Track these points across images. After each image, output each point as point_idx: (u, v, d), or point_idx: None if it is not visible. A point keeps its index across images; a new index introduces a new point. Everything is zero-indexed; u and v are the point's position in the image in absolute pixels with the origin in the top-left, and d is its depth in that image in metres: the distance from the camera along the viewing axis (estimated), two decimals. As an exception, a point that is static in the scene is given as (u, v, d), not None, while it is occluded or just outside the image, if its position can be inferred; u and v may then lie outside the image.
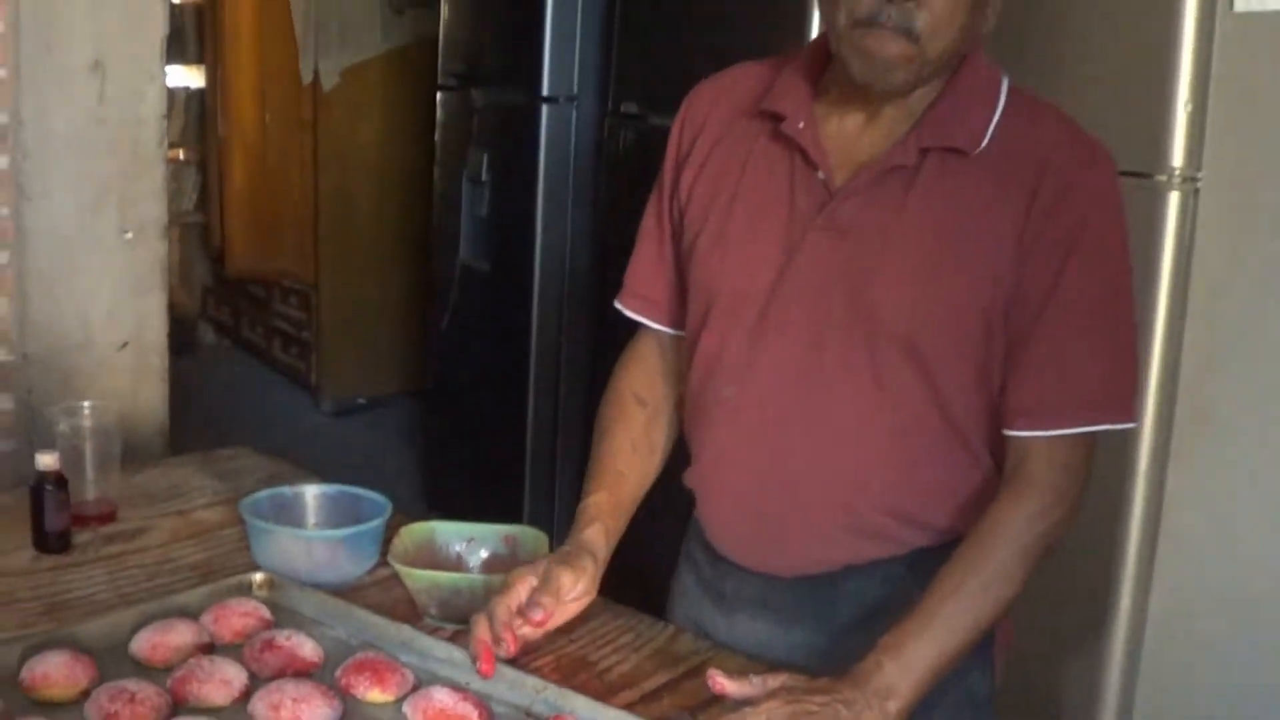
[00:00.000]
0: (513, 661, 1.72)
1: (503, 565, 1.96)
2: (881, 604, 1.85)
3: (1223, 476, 2.86)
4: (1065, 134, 1.81)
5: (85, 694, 1.62)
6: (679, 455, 2.06)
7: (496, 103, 4.74)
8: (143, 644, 1.75)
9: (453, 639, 1.80)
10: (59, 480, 2.12)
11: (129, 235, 3.10)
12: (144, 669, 1.71)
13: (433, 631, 1.84)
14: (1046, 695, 3.01)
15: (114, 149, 3.07)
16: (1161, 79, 2.71)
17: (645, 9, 4.04)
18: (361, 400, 6.73)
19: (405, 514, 2.14)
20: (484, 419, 4.93)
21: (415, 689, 1.69)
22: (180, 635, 1.76)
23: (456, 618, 1.88)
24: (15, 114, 2.94)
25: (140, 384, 3.16)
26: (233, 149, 6.97)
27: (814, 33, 3.34)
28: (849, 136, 1.83)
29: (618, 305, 2.08)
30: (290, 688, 1.64)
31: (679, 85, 2.06)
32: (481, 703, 1.65)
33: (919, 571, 1.79)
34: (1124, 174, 2.66)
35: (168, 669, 1.69)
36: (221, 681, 1.65)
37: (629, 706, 1.69)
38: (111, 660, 1.71)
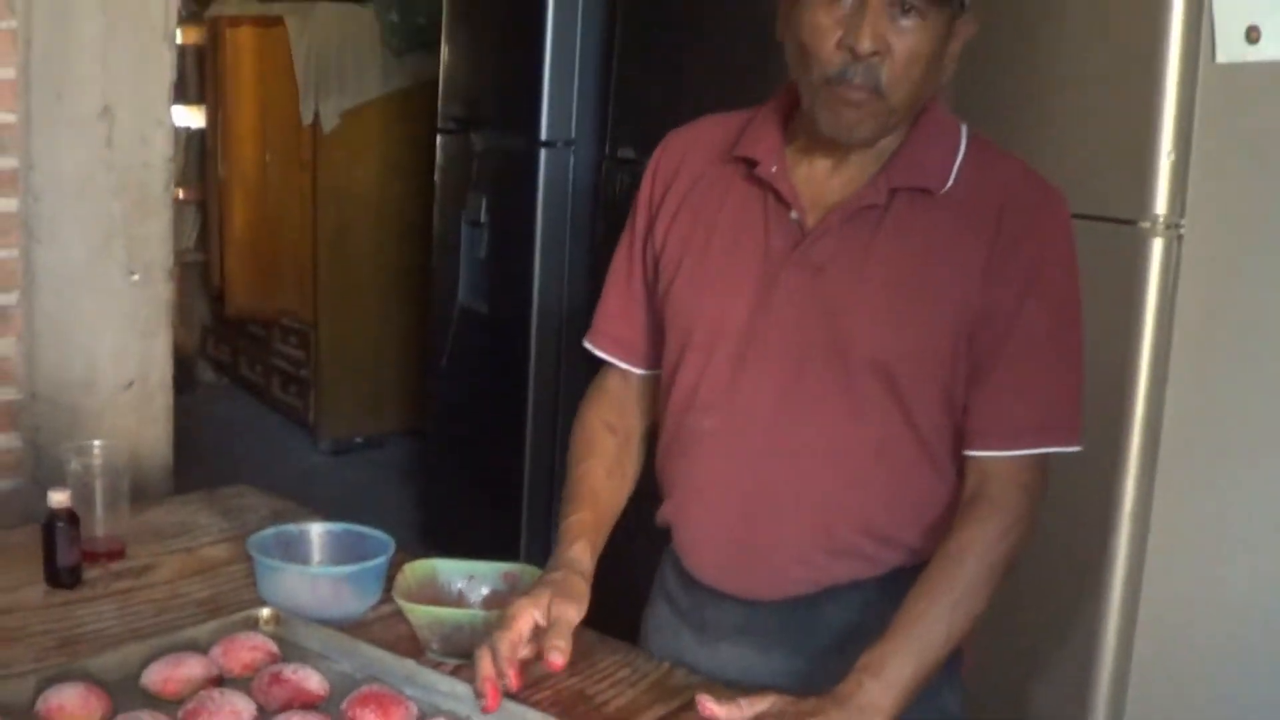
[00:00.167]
0: (513, 695, 1.77)
1: (503, 602, 2.00)
2: (859, 627, 1.91)
3: (1207, 503, 2.91)
4: (1022, 176, 1.94)
5: (100, 725, 1.67)
6: (646, 495, 2.14)
7: (495, 147, 4.80)
8: (154, 677, 1.80)
9: (455, 673, 1.85)
10: (71, 517, 2.18)
11: (136, 277, 3.15)
12: (155, 701, 1.76)
13: (435, 666, 1.89)
14: (1035, 711, 3.04)
15: (121, 193, 3.11)
16: (1145, 128, 2.76)
17: (642, 57, 4.10)
18: (359, 439, 6.77)
19: (404, 551, 2.20)
20: (482, 459, 4.97)
21: (419, 721, 1.74)
22: (190, 668, 1.81)
23: (458, 652, 1.93)
24: (26, 158, 2.99)
25: (145, 423, 3.20)
26: (233, 189, 7.02)
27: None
28: (818, 180, 1.93)
29: (587, 344, 2.17)
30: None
31: (675, 131, 2.14)
32: (483, 735, 1.70)
33: (893, 595, 1.86)
34: (1108, 220, 2.78)
35: (178, 701, 1.74)
36: (231, 713, 1.70)
37: (627, 739, 1.75)
38: (123, 692, 1.76)
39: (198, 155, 7.37)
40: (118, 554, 2.30)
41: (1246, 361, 2.90)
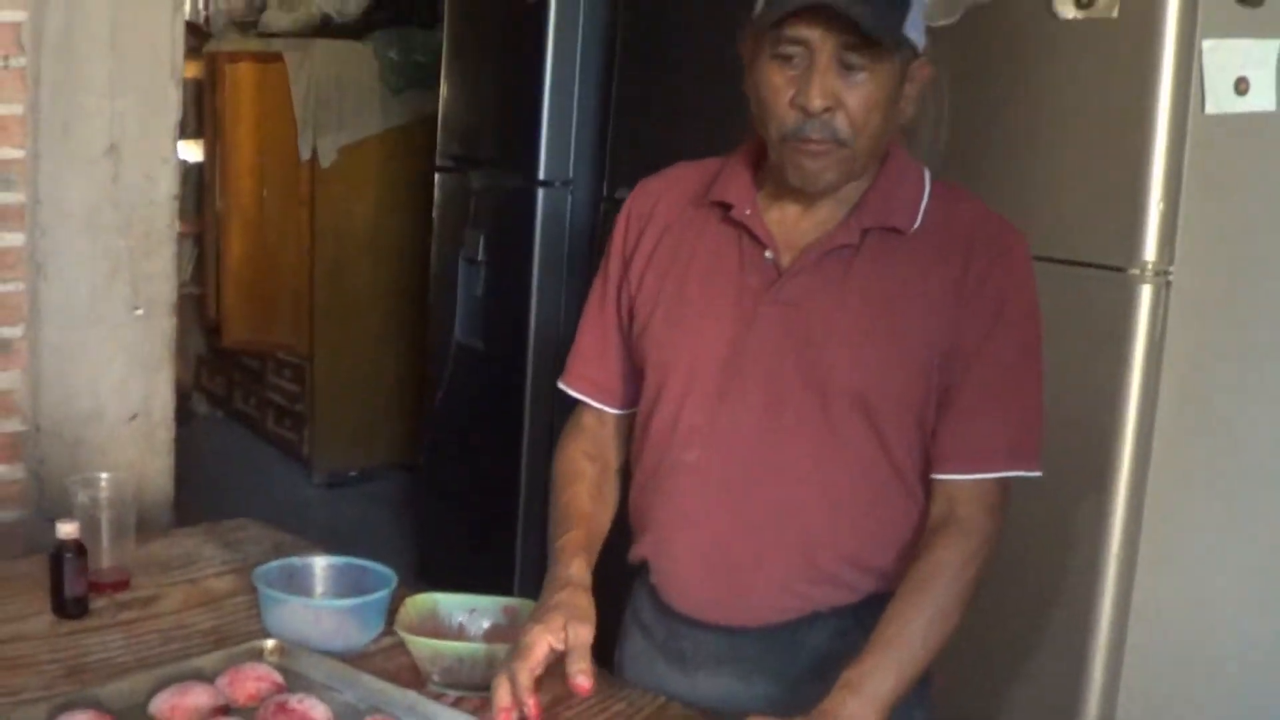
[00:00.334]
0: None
1: (504, 635, 2.06)
2: (836, 655, 1.96)
3: (1194, 550, 2.96)
4: (985, 215, 2.03)
5: (110, 752, 1.71)
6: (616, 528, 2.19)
7: (493, 185, 4.82)
8: (162, 705, 1.83)
9: (457, 704, 1.89)
10: (79, 548, 2.21)
11: (139, 312, 3.19)
12: (164, 729, 1.80)
13: (437, 697, 1.93)
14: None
15: (127, 229, 3.15)
16: (1136, 177, 2.80)
17: (640, 98, 4.15)
18: (353, 472, 6.80)
19: (401, 585, 2.23)
20: (476, 494, 4.98)
21: (421, 751, 1.78)
22: (197, 697, 1.85)
23: (459, 684, 1.97)
24: (33, 193, 3.03)
25: (147, 456, 3.23)
26: (230, 223, 7.06)
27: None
28: (790, 222, 2.01)
29: (562, 385, 2.23)
30: (304, 748, 1.74)
31: (672, 172, 2.19)
32: (484, 764, 1.74)
33: (869, 622, 1.92)
34: (1099, 267, 2.83)
35: (186, 729, 1.78)
36: (238, 741, 1.75)
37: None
38: (132, 720, 1.80)
39: (195, 189, 7.41)
40: (123, 585, 2.34)
41: (1233, 405, 2.96)
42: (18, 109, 3.00)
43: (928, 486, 2.01)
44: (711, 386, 2.01)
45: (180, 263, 7.17)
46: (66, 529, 2.21)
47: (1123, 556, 2.88)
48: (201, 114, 7.29)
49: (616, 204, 4.20)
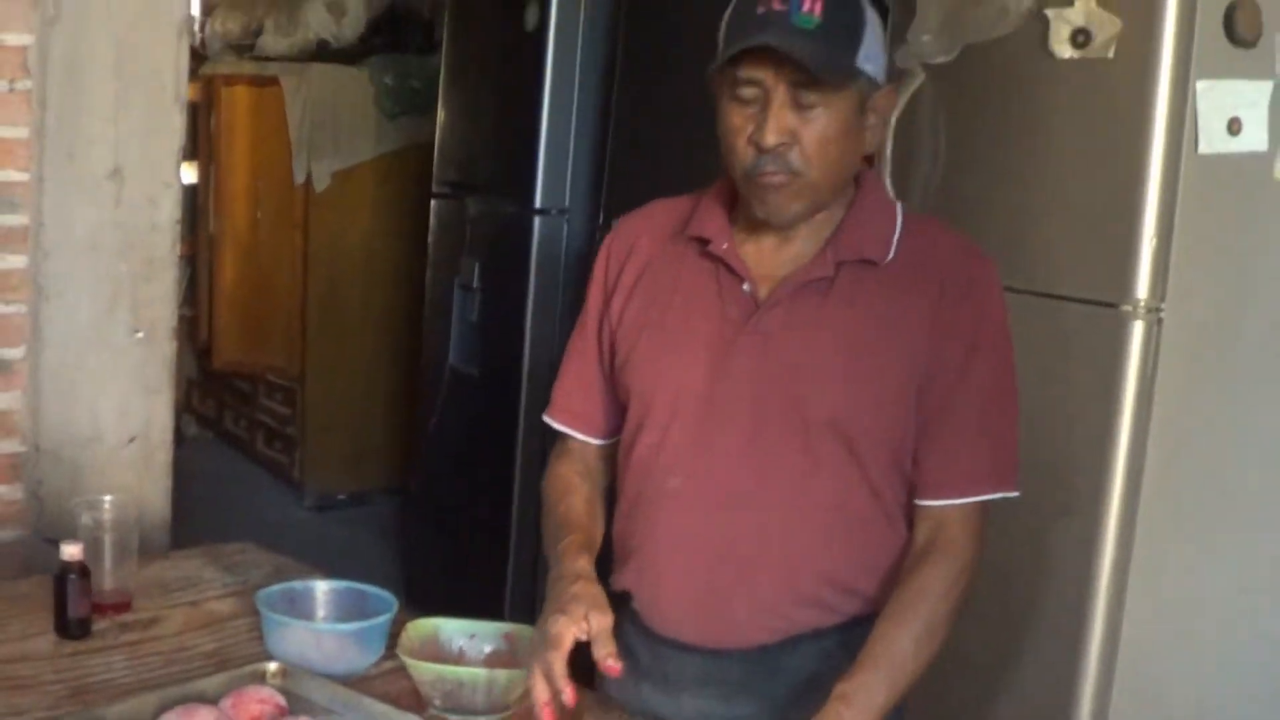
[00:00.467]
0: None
1: (503, 661, 2.08)
2: (819, 676, 2.01)
3: (1183, 581, 2.99)
4: (957, 245, 2.09)
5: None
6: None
7: (489, 212, 4.85)
8: (166, 726, 1.86)
9: (457, 728, 1.92)
10: (82, 570, 2.23)
11: (140, 335, 3.21)
12: (168, 750, 1.82)
13: (437, 720, 1.96)
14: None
15: (129, 252, 3.18)
16: (1129, 215, 2.83)
17: (638, 127, 4.18)
18: (342, 495, 6.80)
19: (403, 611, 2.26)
20: (469, 520, 4.99)
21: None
22: (201, 719, 1.87)
23: (460, 708, 1.99)
24: (37, 216, 3.05)
25: (146, 478, 3.25)
26: (223, 245, 7.07)
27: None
28: (766, 255, 2.06)
29: (546, 419, 2.28)
30: (308, 769, 1.76)
31: (669, 201, 2.23)
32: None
33: (851, 644, 1.98)
34: (1092, 303, 2.86)
35: (191, 751, 1.80)
36: (243, 763, 1.77)
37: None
38: (137, 741, 1.82)
39: (189, 211, 7.40)
40: (124, 607, 2.35)
41: (1222, 440, 3.00)
42: (23, 132, 3.02)
43: (906, 510, 2.07)
44: (693, 416, 2.06)
45: (173, 284, 7.24)
46: (71, 551, 2.23)
47: (1112, 588, 2.90)
48: (196, 136, 7.29)
49: (612, 232, 4.24)
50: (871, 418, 2.00)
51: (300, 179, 6.50)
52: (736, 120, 1.97)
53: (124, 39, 3.12)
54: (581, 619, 1.88)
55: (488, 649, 2.13)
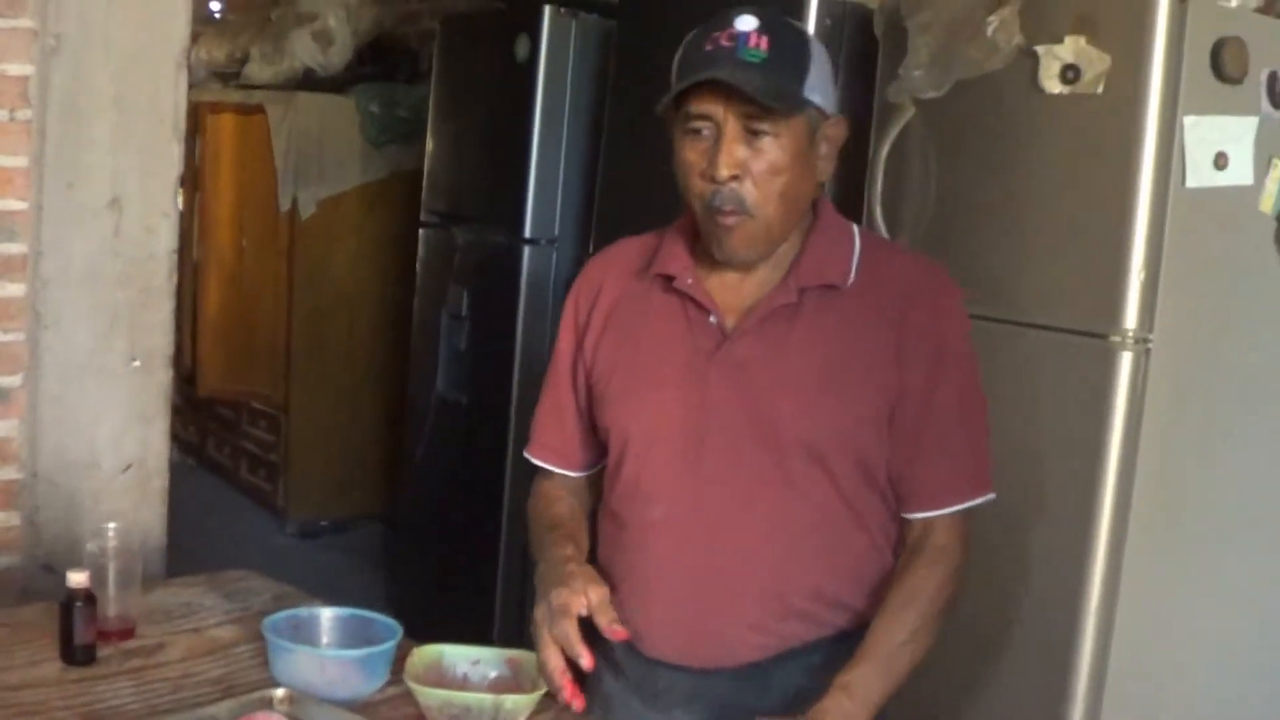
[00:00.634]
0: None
1: (506, 686, 2.10)
2: (805, 692, 2.05)
3: (1171, 610, 3.04)
4: (918, 265, 2.18)
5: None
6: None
7: (478, 241, 4.87)
8: (180, 752, 1.88)
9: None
10: (89, 597, 2.25)
11: (136, 364, 3.23)
12: (182, 775, 1.84)
13: (445, 746, 1.98)
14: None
15: (126, 281, 3.19)
16: (1118, 247, 2.88)
17: (628, 157, 4.20)
18: (325, 523, 6.80)
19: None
20: (455, 548, 5.00)
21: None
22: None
23: (464, 734, 2.02)
24: (36, 245, 3.06)
25: (142, 506, 3.26)
26: (208, 272, 7.07)
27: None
28: (730, 287, 2.12)
29: (527, 455, 2.36)
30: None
31: (658, 231, 2.27)
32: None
33: (837, 658, 2.04)
34: (1081, 334, 2.89)
35: (204, 775, 1.83)
36: (256, 788, 1.79)
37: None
38: (151, 767, 1.84)
39: (174, 237, 7.42)
40: (128, 633, 2.36)
41: (1209, 467, 3.04)
42: (23, 161, 3.03)
43: (881, 522, 2.14)
44: (672, 446, 2.12)
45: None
46: (77, 578, 2.25)
47: (1101, 611, 2.94)
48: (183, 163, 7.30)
49: (602, 263, 4.26)
50: (844, 437, 2.07)
51: (285, 207, 6.52)
52: (690, 155, 2.03)
53: (124, 71, 3.15)
54: (581, 592, 1.98)
55: (491, 674, 2.15)
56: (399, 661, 2.15)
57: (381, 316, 6.64)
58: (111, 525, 2.40)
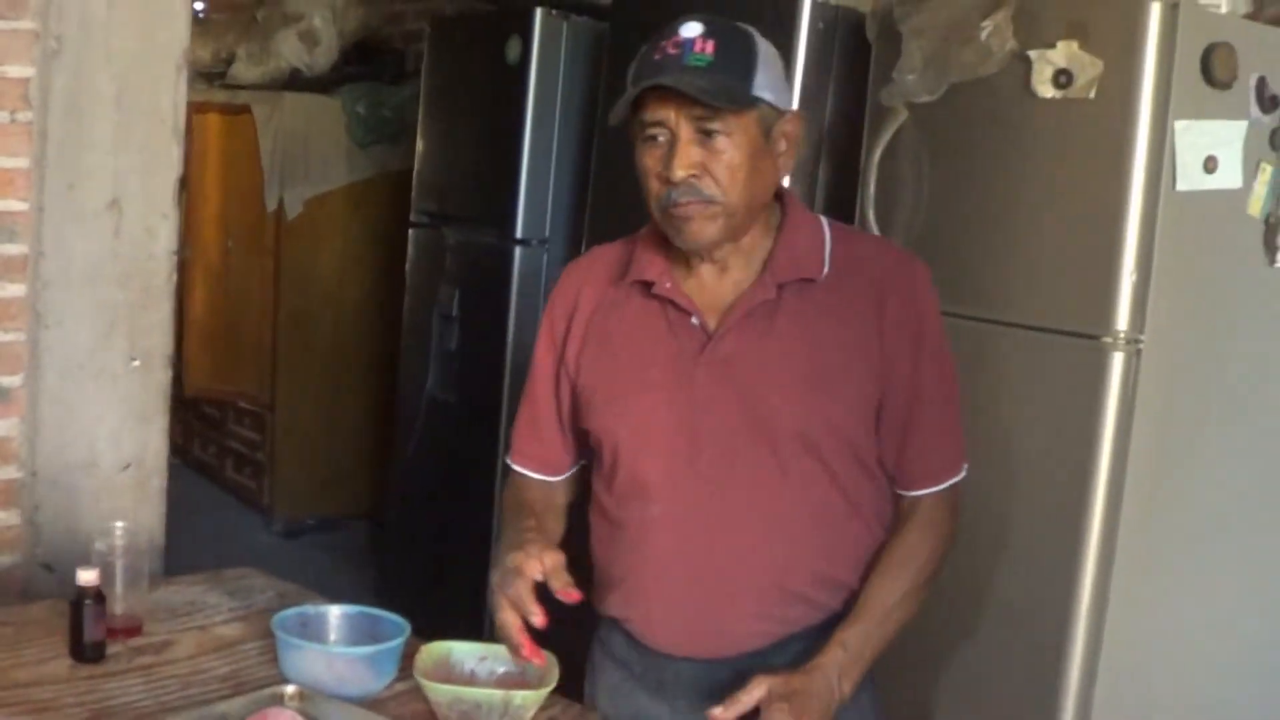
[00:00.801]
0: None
1: (513, 682, 2.13)
2: None
3: (1162, 608, 3.08)
4: (887, 251, 2.27)
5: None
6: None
7: (469, 242, 4.89)
8: (196, 748, 1.90)
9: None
10: (98, 595, 2.27)
11: (136, 364, 3.25)
12: (197, 771, 1.87)
13: (455, 741, 2.00)
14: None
15: (126, 282, 3.21)
16: (1109, 249, 2.92)
17: (619, 158, 4.21)
18: (310, 521, 6.81)
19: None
20: (446, 547, 5.00)
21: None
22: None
23: (474, 730, 2.05)
24: (36, 245, 3.07)
25: (141, 504, 3.28)
26: (194, 272, 7.07)
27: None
28: (708, 287, 2.16)
29: (508, 461, 2.40)
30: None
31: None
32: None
33: None
34: (1073, 335, 2.93)
35: (220, 771, 1.85)
36: (273, 783, 1.81)
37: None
38: (167, 762, 1.87)
39: (158, 237, 7.41)
40: (135, 631, 2.38)
41: (1200, 466, 3.08)
42: (23, 163, 3.04)
43: (872, 501, 2.20)
44: (665, 446, 2.15)
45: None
46: (87, 576, 2.26)
47: (1093, 610, 2.98)
48: (168, 163, 7.28)
49: (594, 264, 4.28)
50: (836, 425, 2.12)
51: (272, 206, 6.53)
52: (648, 161, 2.08)
53: (124, 73, 3.16)
54: (538, 555, 2.02)
55: (499, 670, 2.18)
56: (406, 659, 2.18)
57: (367, 316, 6.66)
58: (119, 524, 2.42)
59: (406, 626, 2.27)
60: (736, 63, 2.03)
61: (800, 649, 2.15)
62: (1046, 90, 2.98)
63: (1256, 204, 3.07)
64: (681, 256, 2.17)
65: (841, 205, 3.50)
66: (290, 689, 2.10)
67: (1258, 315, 3.16)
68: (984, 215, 3.14)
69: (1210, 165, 2.94)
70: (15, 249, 3.07)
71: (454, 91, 5.08)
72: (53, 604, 2.47)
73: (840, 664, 2.06)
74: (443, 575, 5.03)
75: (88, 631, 2.26)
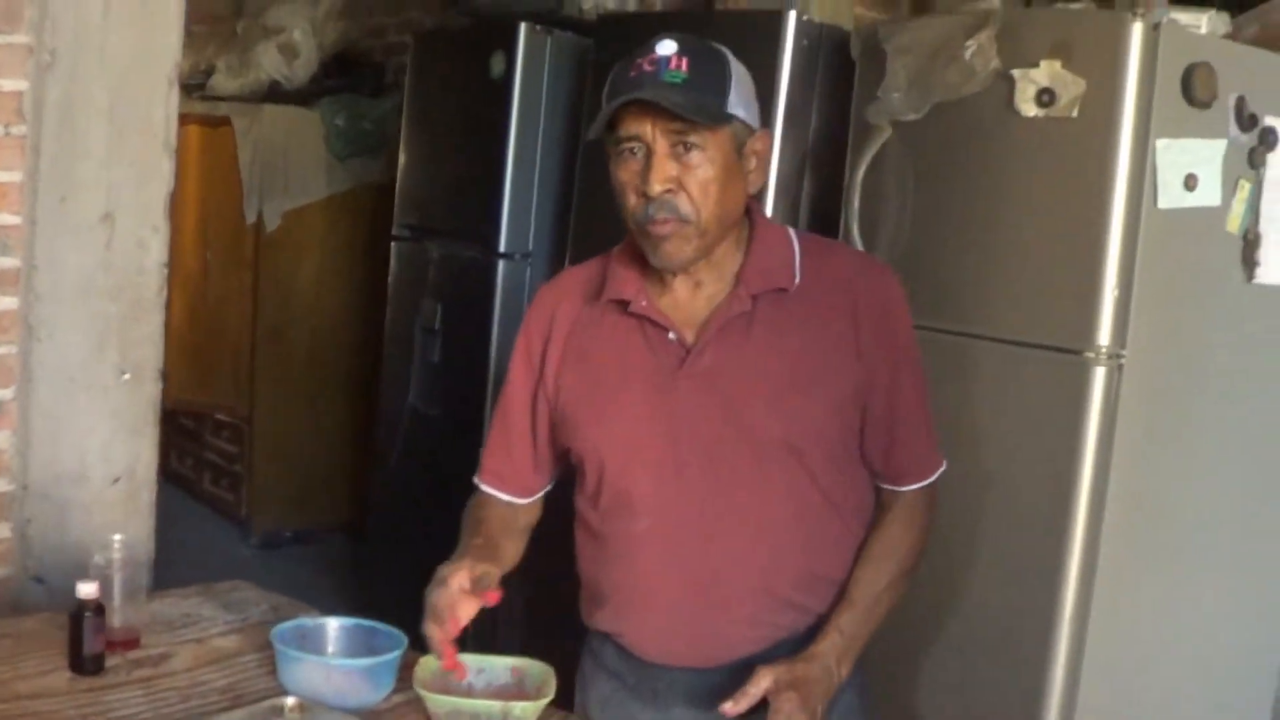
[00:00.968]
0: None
1: (510, 694, 2.16)
2: None
3: (1143, 622, 3.12)
4: (854, 258, 2.38)
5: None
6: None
7: (451, 255, 4.89)
8: (200, 759, 1.92)
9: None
10: (98, 608, 2.29)
11: (127, 377, 3.26)
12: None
13: (454, 753, 2.03)
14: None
15: (118, 295, 3.23)
16: (1091, 265, 2.96)
17: (601, 173, 4.23)
18: (288, 533, 6.81)
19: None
20: (427, 560, 4.98)
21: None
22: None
23: (474, 740, 2.08)
24: (29, 258, 3.09)
25: (131, 517, 3.28)
26: (173, 284, 7.00)
27: (769, 206, 3.61)
28: (683, 302, 2.20)
29: (476, 481, 2.43)
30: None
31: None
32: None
33: None
34: (1055, 350, 2.97)
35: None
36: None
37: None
38: (170, 773, 1.89)
39: (136, 249, 7.39)
40: (133, 644, 2.40)
41: (1179, 479, 3.11)
42: (16, 176, 3.06)
43: (853, 502, 2.26)
44: (650, 460, 2.19)
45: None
46: (86, 589, 2.28)
47: (1075, 624, 3.01)
48: (146, 175, 7.27)
49: (577, 276, 4.30)
50: (815, 431, 2.17)
51: (251, 219, 6.51)
52: (624, 176, 2.12)
53: (117, 86, 3.18)
54: (467, 566, 2.12)
55: (496, 682, 2.21)
56: (403, 671, 2.20)
57: (346, 328, 6.66)
58: (117, 537, 2.44)
59: (404, 639, 2.30)
60: (711, 80, 2.08)
61: (790, 651, 2.18)
62: (1029, 109, 3.02)
63: (1235, 221, 3.12)
64: (655, 273, 2.21)
65: (826, 221, 3.53)
66: (290, 700, 2.12)
67: (1237, 330, 3.20)
68: (968, 231, 3.17)
69: (1190, 183, 2.99)
70: (8, 262, 3.09)
71: (437, 105, 5.08)
72: (49, 617, 2.49)
73: (837, 648, 2.14)
74: (423, 588, 5.00)
75: (87, 644, 2.27)
